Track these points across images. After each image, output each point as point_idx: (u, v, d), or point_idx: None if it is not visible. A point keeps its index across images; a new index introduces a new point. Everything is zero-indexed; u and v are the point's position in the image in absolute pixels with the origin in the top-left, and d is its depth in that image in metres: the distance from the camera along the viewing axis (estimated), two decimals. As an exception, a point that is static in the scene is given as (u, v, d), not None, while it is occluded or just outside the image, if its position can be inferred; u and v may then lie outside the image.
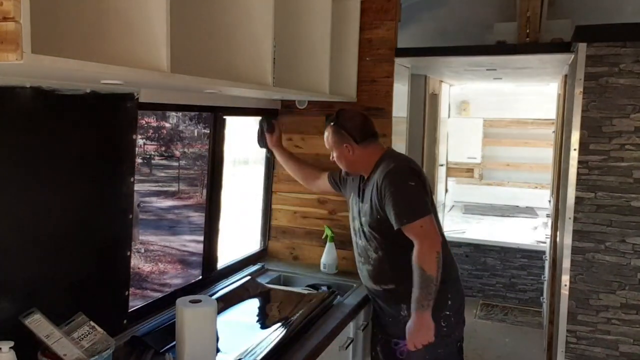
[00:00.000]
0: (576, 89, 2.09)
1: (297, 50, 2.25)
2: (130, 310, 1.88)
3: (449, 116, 5.55)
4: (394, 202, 1.92)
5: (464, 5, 3.52)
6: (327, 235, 2.64)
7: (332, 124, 2.10)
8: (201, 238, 2.41)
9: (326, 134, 2.13)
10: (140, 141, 2.39)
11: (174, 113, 2.62)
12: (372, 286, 2.10)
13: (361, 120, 2.12)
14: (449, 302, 2.00)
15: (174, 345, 1.67)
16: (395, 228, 1.92)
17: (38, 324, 1.37)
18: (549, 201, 4.02)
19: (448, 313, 1.99)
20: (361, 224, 2.10)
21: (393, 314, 2.06)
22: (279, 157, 2.54)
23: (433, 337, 1.88)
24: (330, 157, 2.15)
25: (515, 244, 4.76)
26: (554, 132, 3.94)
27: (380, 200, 1.97)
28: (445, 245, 2.01)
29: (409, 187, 1.94)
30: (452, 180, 6.29)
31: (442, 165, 4.88)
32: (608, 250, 2.10)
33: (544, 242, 4.37)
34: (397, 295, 2.01)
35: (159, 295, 2.17)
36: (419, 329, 1.87)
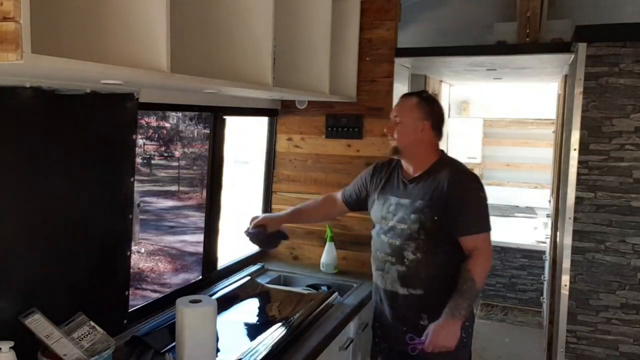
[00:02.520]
0: (576, 89, 2.09)
1: (297, 50, 2.25)
2: (130, 310, 1.88)
3: (449, 116, 5.56)
4: (470, 209, 1.87)
5: (464, 5, 3.52)
6: (328, 236, 2.64)
7: (422, 96, 1.98)
8: (201, 238, 2.41)
9: (404, 101, 1.98)
10: (140, 141, 2.39)
11: (173, 113, 2.62)
12: (398, 289, 1.95)
13: (442, 111, 2.02)
14: (470, 315, 1.95)
15: (174, 346, 1.67)
16: (459, 235, 1.86)
17: (38, 323, 1.37)
18: (549, 201, 4.03)
19: (467, 324, 1.93)
20: (402, 221, 1.94)
21: (411, 322, 1.94)
22: (291, 222, 2.36)
23: (454, 347, 1.81)
24: (386, 129, 1.98)
25: (515, 243, 4.76)
26: (554, 132, 3.94)
27: (445, 203, 1.86)
28: None
29: (484, 198, 1.90)
30: (452, 180, 6.27)
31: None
32: (608, 250, 2.10)
33: (544, 242, 4.37)
34: (422, 302, 1.92)
35: (159, 295, 2.17)
36: (446, 333, 1.79)
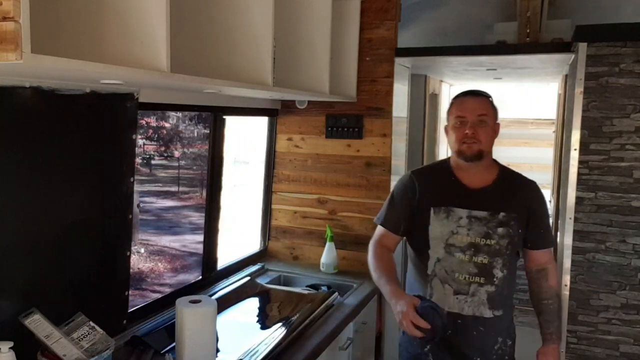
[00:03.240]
0: (576, 88, 2.08)
1: (297, 50, 2.25)
2: (130, 311, 1.88)
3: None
4: (547, 220, 1.81)
5: (464, 5, 3.51)
6: (328, 236, 2.64)
7: (485, 96, 1.80)
8: (201, 238, 2.41)
9: (482, 102, 1.76)
10: (140, 141, 2.39)
11: (173, 113, 2.62)
12: (484, 312, 1.73)
13: None
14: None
15: (174, 346, 1.67)
16: (540, 248, 1.79)
17: (38, 324, 1.37)
18: (549, 201, 4.02)
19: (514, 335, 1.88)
20: (487, 236, 1.73)
21: (485, 349, 1.76)
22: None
23: None
24: (469, 131, 1.70)
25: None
26: (554, 132, 3.94)
27: (528, 214, 1.76)
28: None
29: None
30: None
31: (442, 165, 4.86)
32: (608, 250, 2.10)
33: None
34: (501, 324, 1.77)
35: (158, 295, 2.17)
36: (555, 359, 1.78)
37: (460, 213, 1.75)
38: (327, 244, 2.65)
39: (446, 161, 1.86)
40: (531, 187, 1.81)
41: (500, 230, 1.74)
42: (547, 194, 4.81)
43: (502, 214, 1.74)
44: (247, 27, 1.71)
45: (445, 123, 1.82)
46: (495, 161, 1.84)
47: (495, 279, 1.74)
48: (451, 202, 1.76)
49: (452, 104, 1.81)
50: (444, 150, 5.12)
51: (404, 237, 1.91)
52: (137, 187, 1.82)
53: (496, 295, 1.74)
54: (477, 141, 1.71)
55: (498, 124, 1.79)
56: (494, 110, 1.79)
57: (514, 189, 1.79)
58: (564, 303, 2.16)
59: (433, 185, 1.82)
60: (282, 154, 2.83)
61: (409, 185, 1.84)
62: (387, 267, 1.80)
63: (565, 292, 2.16)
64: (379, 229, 1.89)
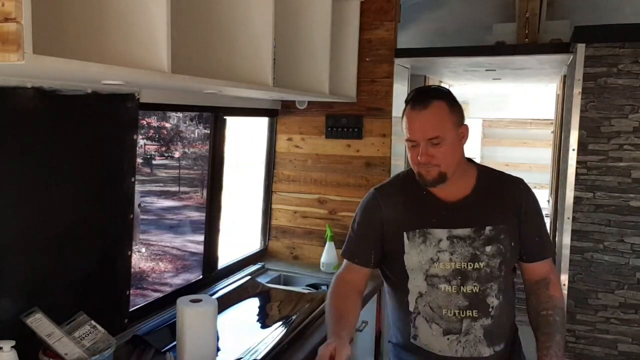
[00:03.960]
0: (575, 89, 2.09)
1: (297, 50, 2.25)
2: (131, 310, 1.89)
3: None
4: (544, 228, 1.52)
5: (464, 6, 3.52)
6: (328, 235, 2.64)
7: (445, 96, 1.44)
8: (202, 238, 2.41)
9: (433, 114, 1.40)
10: (140, 141, 2.40)
11: (174, 113, 2.63)
12: (482, 351, 1.45)
13: None
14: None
15: (175, 345, 1.68)
16: (537, 259, 1.49)
17: (39, 323, 1.38)
18: (548, 201, 4.03)
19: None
20: (474, 258, 1.44)
21: None
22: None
23: None
24: (421, 157, 1.40)
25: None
26: (552, 132, 3.95)
27: (519, 222, 1.47)
28: None
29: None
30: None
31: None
32: (607, 250, 2.11)
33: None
34: None
35: (159, 294, 2.18)
36: None
37: (438, 235, 1.45)
38: (327, 243, 2.65)
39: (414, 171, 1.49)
40: (518, 187, 1.50)
41: (488, 249, 1.44)
42: (546, 193, 4.81)
43: (488, 228, 1.44)
44: (247, 27, 1.72)
45: None
46: (471, 163, 1.54)
47: (490, 309, 1.45)
48: (426, 222, 1.46)
49: (402, 115, 1.48)
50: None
51: (378, 269, 1.59)
52: (137, 187, 1.83)
53: (494, 327, 1.45)
54: (434, 165, 1.41)
55: (463, 128, 1.46)
56: (451, 117, 1.42)
57: (498, 194, 1.49)
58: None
59: (403, 203, 1.51)
60: (282, 154, 2.84)
61: (374, 207, 1.55)
62: (343, 309, 1.49)
63: (564, 292, 2.17)
64: (345, 263, 1.59)
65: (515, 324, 1.56)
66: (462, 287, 1.45)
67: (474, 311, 1.45)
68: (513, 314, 1.53)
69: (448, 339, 1.46)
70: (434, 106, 1.40)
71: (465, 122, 1.48)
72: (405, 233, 1.48)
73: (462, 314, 1.45)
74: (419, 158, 1.41)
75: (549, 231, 3.05)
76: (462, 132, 1.45)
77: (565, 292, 2.16)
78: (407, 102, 1.47)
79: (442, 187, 1.46)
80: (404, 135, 1.46)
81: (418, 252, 1.47)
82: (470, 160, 1.55)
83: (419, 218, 1.48)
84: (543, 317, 1.45)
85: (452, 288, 1.45)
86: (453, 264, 1.45)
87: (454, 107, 1.44)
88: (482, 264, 1.44)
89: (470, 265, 1.45)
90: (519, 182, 1.54)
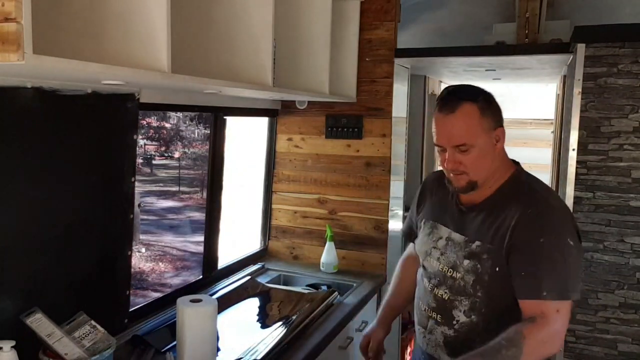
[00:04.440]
0: (575, 89, 2.09)
1: (297, 50, 2.26)
2: (131, 310, 1.89)
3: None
4: (537, 264, 1.28)
5: (464, 6, 3.52)
6: (328, 235, 2.64)
7: (480, 96, 1.34)
8: (202, 238, 2.41)
9: (461, 118, 1.32)
10: (140, 141, 2.40)
11: (174, 113, 2.63)
12: (441, 357, 1.46)
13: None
14: None
15: (175, 345, 1.68)
16: (519, 296, 1.31)
17: (39, 323, 1.38)
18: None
19: None
20: (454, 266, 1.41)
21: None
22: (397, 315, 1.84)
23: None
24: (447, 164, 1.36)
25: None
26: (552, 132, 3.95)
27: (512, 246, 1.32)
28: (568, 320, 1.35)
29: (569, 249, 1.28)
30: (451, 181, 6.29)
31: (441, 165, 4.87)
32: (607, 249, 2.10)
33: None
34: None
35: (159, 294, 2.18)
36: None
37: (441, 232, 1.47)
38: (327, 243, 2.65)
39: None
40: (521, 212, 1.31)
41: (466, 262, 1.38)
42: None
43: (477, 242, 1.37)
44: (247, 27, 1.72)
45: None
46: (512, 169, 1.43)
47: (454, 322, 1.40)
48: (439, 217, 1.49)
49: (434, 115, 1.42)
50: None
51: None
52: (137, 187, 1.83)
53: (457, 342, 1.39)
54: (462, 172, 1.36)
55: (498, 130, 1.36)
56: (482, 122, 1.33)
57: (501, 212, 1.35)
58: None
59: (436, 193, 1.55)
60: (282, 154, 2.84)
61: (420, 190, 1.64)
62: (396, 282, 1.70)
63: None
64: None
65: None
66: (435, 289, 1.46)
67: (438, 316, 1.45)
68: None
69: (420, 330, 1.53)
70: (463, 110, 1.32)
71: (500, 127, 1.37)
72: (424, 220, 1.55)
73: (429, 313, 1.47)
74: (446, 165, 1.37)
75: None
76: (497, 136, 1.35)
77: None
78: (437, 102, 1.40)
79: (479, 188, 1.39)
80: (433, 138, 1.42)
81: (422, 241, 1.53)
82: (515, 166, 1.45)
83: (436, 210, 1.52)
84: (493, 343, 1.25)
85: (429, 285, 1.48)
86: (438, 264, 1.46)
87: (487, 110, 1.34)
88: (458, 275, 1.41)
89: (450, 272, 1.42)
90: (528, 206, 1.32)
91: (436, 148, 1.42)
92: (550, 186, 1.49)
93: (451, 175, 1.39)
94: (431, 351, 1.48)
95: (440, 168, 1.52)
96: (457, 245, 1.42)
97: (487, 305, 1.37)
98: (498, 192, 1.39)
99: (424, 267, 1.52)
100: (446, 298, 1.43)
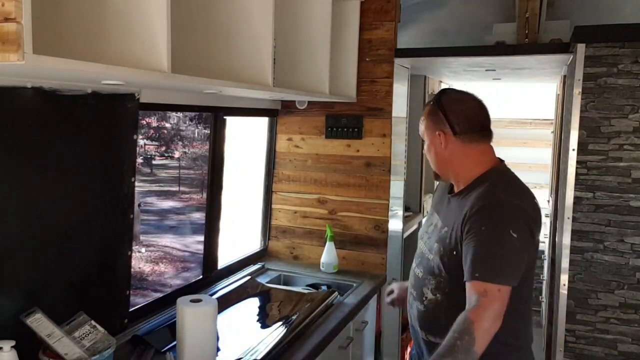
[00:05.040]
0: (575, 89, 2.09)
1: (297, 50, 2.26)
2: (131, 310, 1.89)
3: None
4: (476, 248, 1.40)
5: (464, 6, 3.52)
6: (328, 236, 2.64)
7: (431, 102, 1.61)
8: (202, 238, 2.41)
9: (423, 115, 1.63)
10: (140, 141, 2.40)
11: (174, 113, 2.63)
12: (418, 330, 1.63)
13: (471, 106, 1.57)
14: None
15: (175, 345, 1.68)
16: (465, 279, 1.42)
17: (39, 323, 1.38)
18: (548, 201, 4.03)
19: None
20: (430, 249, 1.59)
21: None
22: None
23: None
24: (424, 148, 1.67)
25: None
26: (552, 132, 3.95)
27: (463, 233, 1.45)
28: (528, 310, 1.62)
29: (509, 238, 1.39)
30: (451, 181, 6.29)
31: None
32: (607, 250, 2.10)
33: (543, 242, 4.36)
34: None
35: (159, 294, 2.18)
36: None
37: (434, 219, 1.64)
38: (327, 243, 2.65)
39: None
40: (482, 205, 1.44)
41: (436, 246, 1.55)
42: (546, 193, 4.81)
43: (445, 228, 1.54)
44: (247, 27, 1.72)
45: None
46: (488, 166, 1.57)
47: (424, 299, 1.56)
48: (436, 206, 1.68)
49: None
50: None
51: None
52: (137, 187, 1.83)
53: (427, 318, 1.55)
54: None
55: (438, 134, 1.55)
56: (429, 121, 1.57)
57: (465, 202, 1.50)
58: (562, 302, 2.17)
59: (441, 187, 1.76)
60: (282, 154, 2.84)
61: (438, 186, 1.84)
62: None
63: (564, 292, 2.17)
64: None
65: None
66: (416, 268, 1.65)
67: (415, 292, 1.64)
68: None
69: (409, 304, 1.69)
70: (424, 111, 1.62)
71: (441, 131, 1.55)
72: (430, 208, 1.76)
73: (410, 289, 1.67)
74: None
75: (549, 230, 3.05)
76: (437, 136, 1.56)
77: (565, 292, 2.16)
78: None
79: (456, 184, 1.61)
80: None
81: (424, 226, 1.72)
82: (494, 164, 1.58)
83: (437, 201, 1.72)
84: (448, 336, 1.33)
85: (413, 264, 1.68)
86: (422, 246, 1.65)
87: (432, 114, 1.58)
88: (430, 257, 1.58)
89: (427, 253, 1.60)
90: (484, 200, 1.45)
91: None
92: (520, 185, 1.55)
93: None
94: (412, 322, 1.67)
95: None
96: (436, 229, 1.60)
97: (449, 286, 1.51)
98: (469, 186, 1.55)
99: (418, 249, 1.70)
100: (420, 276, 1.61)
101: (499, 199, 1.47)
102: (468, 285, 1.40)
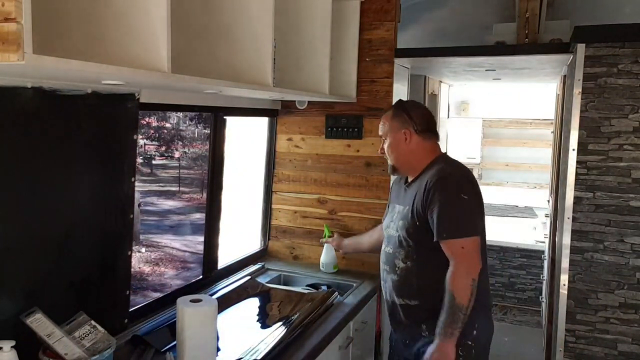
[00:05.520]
0: (575, 89, 2.09)
1: (297, 51, 2.26)
2: (131, 310, 1.89)
3: (448, 116, 5.57)
4: (439, 212, 1.74)
5: (464, 6, 3.53)
6: (326, 235, 2.64)
7: (394, 107, 1.96)
8: (202, 238, 2.41)
9: (383, 119, 1.95)
10: (140, 141, 2.40)
11: (174, 113, 2.63)
12: (395, 299, 1.91)
13: (426, 111, 1.98)
14: (474, 332, 1.80)
15: (175, 345, 1.68)
16: (434, 240, 1.76)
17: (39, 323, 1.38)
18: (548, 201, 4.03)
19: (470, 343, 1.79)
20: (396, 230, 1.91)
21: (412, 334, 1.88)
22: (353, 251, 2.53)
23: None
24: (379, 150, 1.99)
25: (514, 243, 4.77)
26: (552, 132, 3.95)
27: (424, 206, 1.79)
28: (485, 269, 1.83)
29: (462, 200, 1.76)
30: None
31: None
32: (607, 249, 2.11)
33: (543, 242, 4.38)
34: (420, 312, 1.84)
35: (159, 294, 2.18)
36: (438, 357, 1.71)
37: (395, 208, 1.97)
38: (326, 243, 2.65)
39: None
40: (436, 180, 1.78)
41: (400, 222, 1.88)
42: (546, 193, 4.82)
43: (407, 207, 1.87)
44: (247, 27, 1.72)
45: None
46: (434, 156, 1.90)
47: (397, 269, 1.88)
48: (395, 199, 2.01)
49: None
50: (443, 150, 5.13)
51: None
52: (137, 187, 1.83)
53: (401, 284, 1.88)
54: (386, 157, 1.96)
55: (405, 130, 1.88)
56: (394, 121, 1.91)
57: (421, 183, 1.84)
58: (562, 302, 2.17)
59: (396, 183, 2.06)
60: (282, 154, 2.84)
61: (391, 184, 2.17)
62: (365, 233, 2.45)
63: (564, 292, 2.17)
64: None
65: (428, 286, 1.82)
66: (386, 247, 1.97)
67: (387, 266, 1.94)
68: (428, 281, 1.81)
69: (381, 283, 2.01)
70: (384, 115, 1.96)
71: (406, 129, 1.89)
72: (389, 204, 2.08)
73: (383, 266, 1.97)
74: (379, 151, 2.00)
75: (549, 229, 3.04)
76: (404, 134, 1.89)
77: (565, 292, 2.17)
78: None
79: (409, 175, 1.94)
80: None
81: (386, 219, 2.02)
82: (438, 155, 1.92)
83: (394, 195, 2.04)
84: (443, 308, 1.73)
85: (384, 246, 1.99)
86: (389, 230, 1.96)
87: (397, 115, 1.91)
88: (396, 234, 1.89)
89: (394, 232, 1.91)
90: (437, 176, 1.80)
91: None
92: (458, 163, 1.94)
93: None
94: (388, 297, 1.95)
95: None
96: (398, 213, 1.92)
97: (416, 252, 1.84)
98: (422, 172, 1.89)
99: (386, 236, 1.98)
100: (390, 252, 1.92)
101: (447, 173, 1.82)
102: (442, 245, 1.75)
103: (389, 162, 1.96)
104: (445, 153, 1.97)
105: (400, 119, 1.90)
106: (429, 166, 1.88)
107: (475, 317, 1.76)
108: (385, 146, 1.94)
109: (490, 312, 1.96)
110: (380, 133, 1.96)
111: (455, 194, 1.76)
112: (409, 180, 1.95)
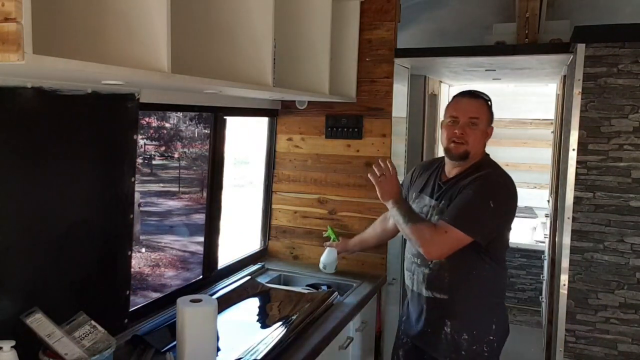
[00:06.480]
0: (575, 89, 2.09)
1: (297, 50, 2.26)
2: (131, 310, 1.89)
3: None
4: (459, 201, 1.79)
5: (464, 6, 3.53)
6: (332, 239, 2.62)
7: (487, 99, 1.95)
8: (202, 238, 2.41)
9: (478, 104, 1.89)
10: (140, 141, 2.40)
11: (174, 113, 2.63)
12: (423, 291, 1.96)
13: None
14: (493, 326, 1.91)
15: (175, 345, 1.68)
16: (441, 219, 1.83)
17: (39, 323, 1.38)
18: (548, 201, 4.03)
19: (492, 338, 1.90)
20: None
21: (434, 326, 1.95)
22: (361, 250, 2.52)
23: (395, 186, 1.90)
24: (457, 131, 1.86)
25: (514, 243, 4.76)
26: (552, 132, 3.95)
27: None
28: (505, 271, 1.96)
29: (487, 205, 1.78)
30: (451, 181, 6.30)
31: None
32: (607, 250, 2.11)
33: (543, 242, 4.38)
34: (446, 308, 1.91)
35: (159, 294, 2.18)
36: (381, 188, 1.90)
37: (426, 201, 1.97)
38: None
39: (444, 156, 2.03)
40: (474, 178, 1.82)
41: (435, 218, 1.88)
42: (546, 193, 4.82)
43: (442, 202, 1.88)
44: (247, 27, 1.72)
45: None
46: (484, 159, 1.93)
47: (430, 263, 1.91)
48: (426, 191, 1.99)
49: (449, 102, 1.99)
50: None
51: None
52: (137, 187, 1.83)
53: (432, 278, 1.91)
54: (464, 142, 1.86)
55: (491, 128, 1.92)
56: (488, 113, 1.91)
57: (463, 182, 1.85)
58: (562, 302, 2.17)
59: (425, 176, 2.05)
60: (282, 154, 2.84)
61: (410, 172, 2.17)
62: (371, 228, 2.41)
63: (564, 292, 2.17)
64: None
65: (465, 285, 1.88)
66: None
67: (418, 260, 1.95)
68: (460, 277, 1.86)
69: (408, 274, 2.03)
70: (480, 100, 1.91)
71: (491, 126, 1.93)
72: (414, 193, 2.05)
73: (413, 259, 1.99)
74: (456, 131, 1.86)
75: (549, 229, 3.04)
76: (489, 129, 1.92)
77: (565, 292, 2.16)
78: (456, 95, 1.97)
79: (447, 168, 1.95)
80: (445, 117, 1.93)
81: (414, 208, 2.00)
82: (486, 156, 1.95)
83: (425, 187, 2.00)
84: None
85: None
86: None
87: (490, 109, 1.93)
88: None
89: None
90: (477, 178, 1.82)
91: (445, 124, 1.91)
92: (504, 172, 1.95)
93: (452, 145, 1.88)
94: (415, 288, 1.99)
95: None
96: (433, 208, 1.92)
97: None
98: (466, 170, 1.89)
99: None
100: None
101: (491, 179, 1.84)
102: (438, 222, 1.80)
103: (464, 148, 1.86)
104: (489, 155, 1.99)
105: (491, 115, 1.94)
106: (474, 166, 1.89)
107: (493, 312, 1.90)
108: (474, 131, 1.86)
109: (506, 310, 2.03)
110: (473, 115, 1.87)
111: (484, 196, 1.79)
112: (447, 174, 1.95)
